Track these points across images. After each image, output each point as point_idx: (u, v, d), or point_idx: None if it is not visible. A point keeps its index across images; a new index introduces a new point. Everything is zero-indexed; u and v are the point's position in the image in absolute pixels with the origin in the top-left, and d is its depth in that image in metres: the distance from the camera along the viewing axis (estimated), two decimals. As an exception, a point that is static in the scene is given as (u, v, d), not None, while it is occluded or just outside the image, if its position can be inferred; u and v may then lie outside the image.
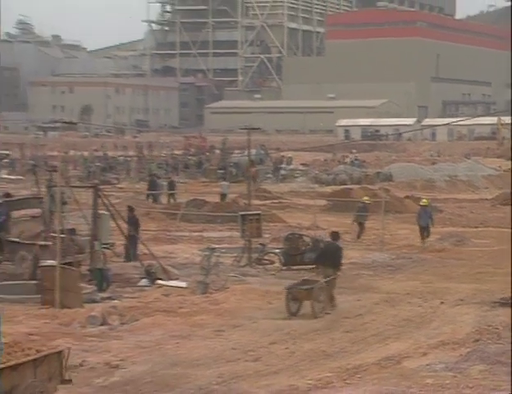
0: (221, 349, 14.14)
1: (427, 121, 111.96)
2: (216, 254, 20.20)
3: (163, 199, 40.68)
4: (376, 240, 27.54)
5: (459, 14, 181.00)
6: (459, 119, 73.76)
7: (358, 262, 23.45)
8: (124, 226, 22.13)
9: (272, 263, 23.12)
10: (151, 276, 19.93)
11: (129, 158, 65.09)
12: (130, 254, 22.47)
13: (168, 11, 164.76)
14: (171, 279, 20.04)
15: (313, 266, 21.87)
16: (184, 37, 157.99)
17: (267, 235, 26.25)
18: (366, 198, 30.29)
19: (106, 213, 20.74)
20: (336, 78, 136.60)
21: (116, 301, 17.73)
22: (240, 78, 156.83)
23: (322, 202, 39.34)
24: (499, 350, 13.62)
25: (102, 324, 15.64)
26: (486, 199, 43.30)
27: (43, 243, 20.77)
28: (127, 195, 40.01)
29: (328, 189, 47.83)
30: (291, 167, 62.25)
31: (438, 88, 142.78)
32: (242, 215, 23.87)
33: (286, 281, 19.08)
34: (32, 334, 14.48)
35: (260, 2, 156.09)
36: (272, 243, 25.11)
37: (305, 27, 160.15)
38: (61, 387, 11.14)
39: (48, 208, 21.88)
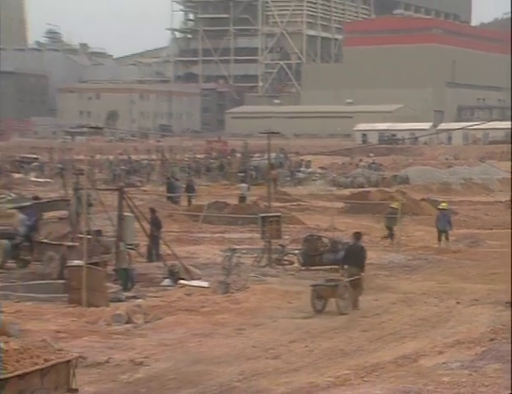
0: (242, 347, 14.12)
1: (443, 126, 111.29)
2: (237, 254, 20.21)
3: (182, 201, 40.71)
4: (393, 242, 27.45)
5: (474, 21, 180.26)
6: (474, 123, 73.22)
7: (375, 262, 23.34)
8: (148, 227, 22.17)
9: (292, 263, 23.08)
10: (174, 276, 19.95)
11: (152, 162, 65.27)
12: (152, 255, 22.53)
13: (191, 20, 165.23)
14: (194, 279, 20.04)
15: (331, 266, 21.93)
16: (206, 44, 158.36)
17: (286, 237, 26.21)
18: (396, 203, 30.04)
19: (130, 214, 20.79)
20: (353, 84, 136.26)
21: (140, 300, 17.76)
22: (260, 84, 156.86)
23: (340, 204, 39.23)
24: (514, 349, 13.49)
25: (126, 322, 15.66)
26: (501, 202, 42.97)
27: (70, 244, 20.84)
28: (151, 198, 40.09)
29: (346, 191, 47.69)
30: (310, 170, 62.14)
31: (454, 93, 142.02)
32: (262, 217, 23.86)
33: (305, 281, 19.06)
34: (60, 332, 14.55)
35: (280, 10, 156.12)
36: (291, 244, 25.07)
37: (324, 34, 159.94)
38: (86, 383, 11.18)
39: (74, 210, 21.96)
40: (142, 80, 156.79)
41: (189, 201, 40.51)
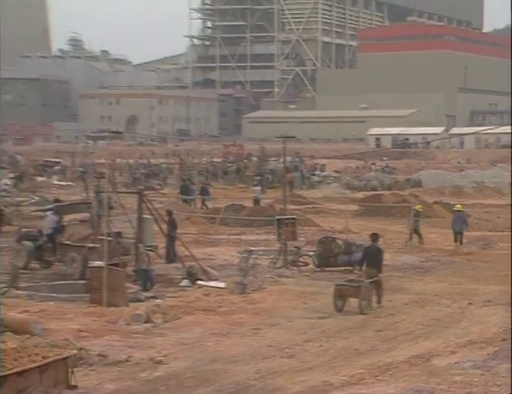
0: (258, 346, 14.11)
1: (455, 130, 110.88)
2: (253, 256, 20.19)
3: (197, 204, 40.70)
4: (406, 244, 27.36)
5: (486, 27, 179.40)
6: (486, 128, 72.88)
7: (388, 264, 23.23)
8: (165, 229, 22.20)
9: (307, 264, 23.04)
10: (192, 277, 19.98)
11: (171, 166, 65.40)
12: (171, 256, 22.58)
13: (209, 27, 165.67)
14: (211, 280, 20.07)
15: (345, 267, 21.91)
16: (223, 51, 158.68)
17: (301, 239, 26.16)
18: (419, 206, 29.93)
19: (150, 217, 20.85)
20: (367, 89, 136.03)
21: (159, 300, 17.80)
22: (276, 89, 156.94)
23: (354, 207, 39.14)
24: (525, 349, 13.41)
25: (146, 322, 15.70)
26: (513, 205, 42.67)
27: (91, 245, 20.93)
28: (169, 201, 40.17)
29: (360, 194, 47.56)
30: (325, 173, 62.04)
31: (466, 98, 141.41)
32: (278, 219, 23.84)
33: (320, 283, 19.03)
34: (81, 330, 14.61)
35: (296, 18, 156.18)
36: (306, 246, 25.03)
37: (338, 41, 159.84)
38: (107, 381, 11.19)
39: (95, 212, 22.04)
40: (161, 85, 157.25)
41: (203, 204, 40.44)
